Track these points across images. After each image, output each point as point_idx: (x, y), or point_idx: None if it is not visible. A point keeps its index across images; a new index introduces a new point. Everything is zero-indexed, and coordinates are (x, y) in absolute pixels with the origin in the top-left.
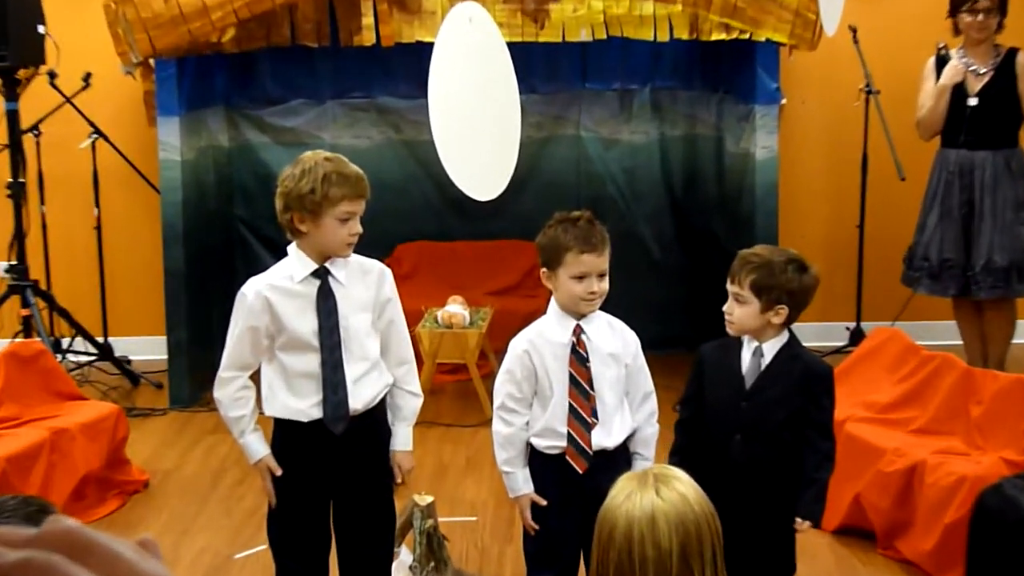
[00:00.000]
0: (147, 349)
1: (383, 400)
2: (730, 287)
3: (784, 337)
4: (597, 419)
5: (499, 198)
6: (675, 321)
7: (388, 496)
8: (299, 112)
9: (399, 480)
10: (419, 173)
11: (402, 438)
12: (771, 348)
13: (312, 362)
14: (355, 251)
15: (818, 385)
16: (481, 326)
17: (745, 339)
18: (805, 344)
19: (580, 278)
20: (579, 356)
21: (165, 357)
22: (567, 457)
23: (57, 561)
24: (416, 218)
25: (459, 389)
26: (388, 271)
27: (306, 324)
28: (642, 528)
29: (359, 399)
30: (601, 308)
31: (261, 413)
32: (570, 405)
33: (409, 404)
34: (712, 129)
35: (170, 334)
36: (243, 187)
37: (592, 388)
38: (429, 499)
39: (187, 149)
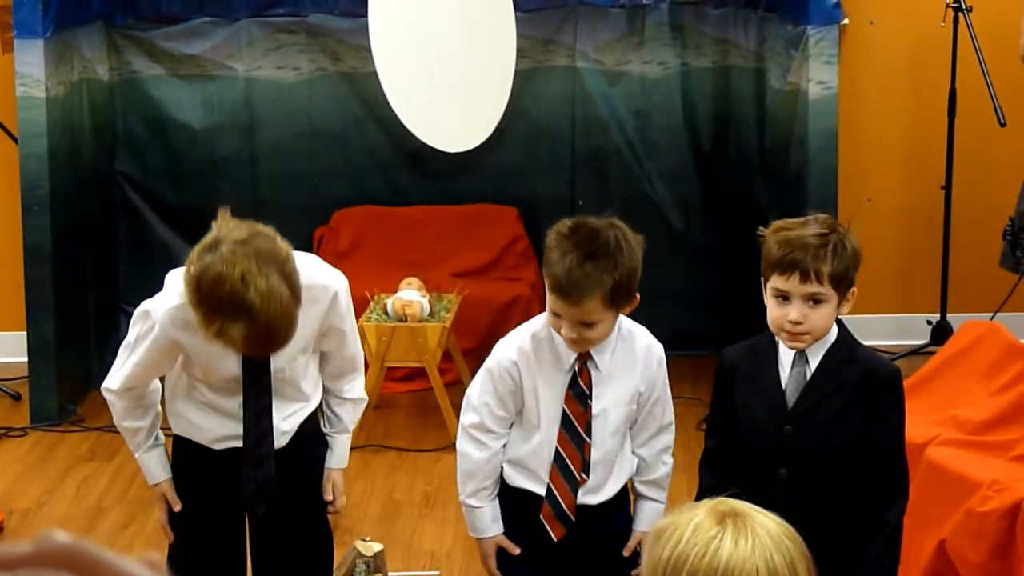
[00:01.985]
0: (0, 349)
1: (314, 414)
2: (799, 287)
3: (832, 334)
4: (587, 476)
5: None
6: (702, 313)
7: (322, 534)
8: (203, 34)
9: (335, 506)
10: (363, 115)
11: (339, 453)
12: (817, 350)
13: (233, 406)
14: (281, 216)
15: (883, 394)
16: (445, 318)
17: (780, 341)
18: (875, 344)
19: (555, 315)
20: (578, 391)
21: (25, 360)
22: (541, 517)
23: None
24: (359, 175)
25: (416, 401)
26: (344, 289)
27: (229, 377)
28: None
29: (286, 436)
30: None
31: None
32: (556, 452)
33: (352, 412)
34: (751, 58)
35: (31, 329)
36: (129, 134)
37: (589, 435)
38: (377, 547)
39: (54, 84)
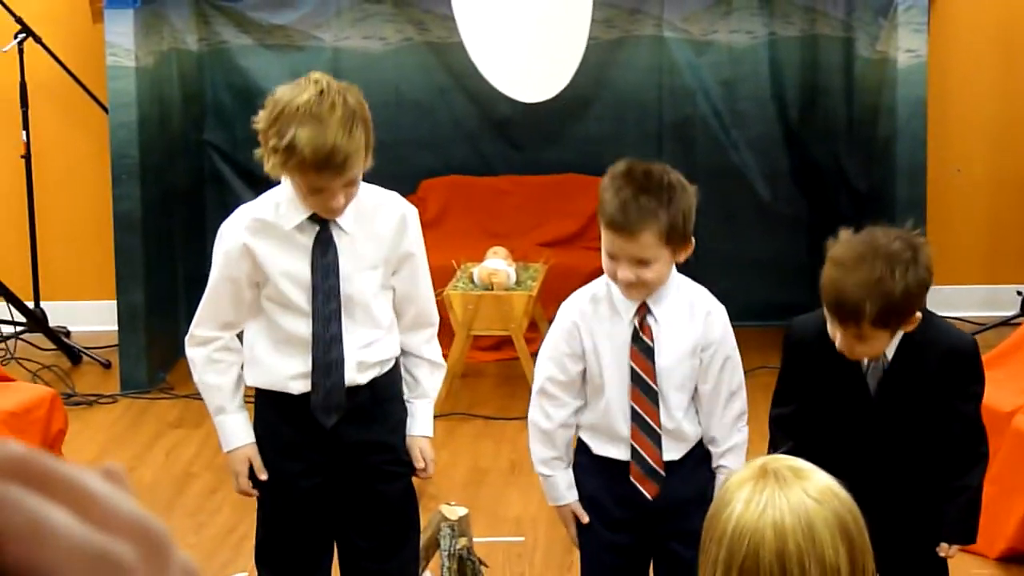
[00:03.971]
0: (92, 318)
1: (394, 372)
2: (839, 328)
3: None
4: (662, 428)
5: (557, 115)
6: (791, 283)
7: (407, 498)
8: (291, 4)
9: (426, 472)
10: (450, 86)
11: (422, 420)
12: (893, 343)
13: (303, 327)
14: (367, 182)
15: (961, 366)
16: (531, 287)
17: None
18: (964, 315)
19: (611, 257)
20: (643, 346)
21: (115, 328)
22: (632, 479)
23: (14, 495)
24: (446, 146)
25: (502, 371)
26: (413, 213)
27: (298, 282)
28: (798, 541)
29: (364, 374)
30: (695, 269)
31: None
32: (632, 409)
33: (431, 377)
34: (839, 27)
35: (121, 299)
36: (218, 104)
37: (659, 388)
38: (462, 512)
39: (144, 54)
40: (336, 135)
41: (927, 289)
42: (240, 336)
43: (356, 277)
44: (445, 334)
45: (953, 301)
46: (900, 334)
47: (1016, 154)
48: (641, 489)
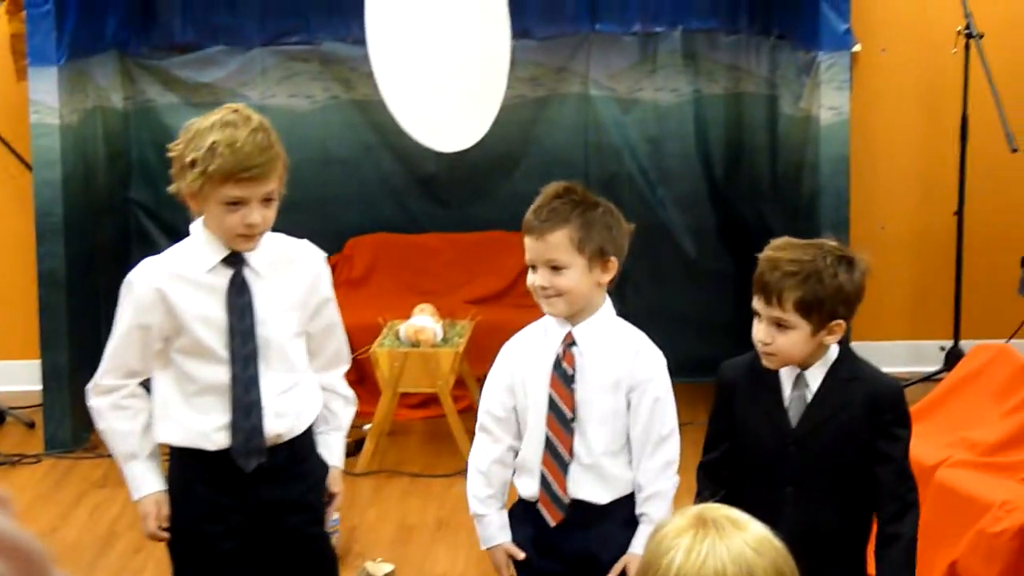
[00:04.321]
0: (16, 377)
1: (311, 430)
2: (764, 308)
3: (833, 354)
4: (573, 457)
5: (484, 172)
6: (718, 339)
7: (327, 557)
8: (217, 62)
9: (333, 510)
10: (377, 143)
11: (338, 452)
12: (818, 373)
13: (219, 374)
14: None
15: (887, 410)
16: (458, 344)
17: None
18: (887, 371)
19: (530, 266)
20: (562, 373)
21: (39, 388)
22: (539, 505)
23: None
24: (374, 203)
25: (430, 428)
26: (324, 258)
27: (213, 326)
28: None
29: (281, 422)
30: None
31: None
32: (547, 437)
33: (345, 411)
34: (763, 85)
35: (45, 357)
36: (143, 162)
37: (575, 417)
38: (388, 568)
39: (68, 111)
40: (252, 140)
41: (855, 301)
42: (145, 384)
43: (271, 320)
44: (372, 392)
45: (877, 357)
46: (825, 368)
47: (939, 211)
48: (545, 514)
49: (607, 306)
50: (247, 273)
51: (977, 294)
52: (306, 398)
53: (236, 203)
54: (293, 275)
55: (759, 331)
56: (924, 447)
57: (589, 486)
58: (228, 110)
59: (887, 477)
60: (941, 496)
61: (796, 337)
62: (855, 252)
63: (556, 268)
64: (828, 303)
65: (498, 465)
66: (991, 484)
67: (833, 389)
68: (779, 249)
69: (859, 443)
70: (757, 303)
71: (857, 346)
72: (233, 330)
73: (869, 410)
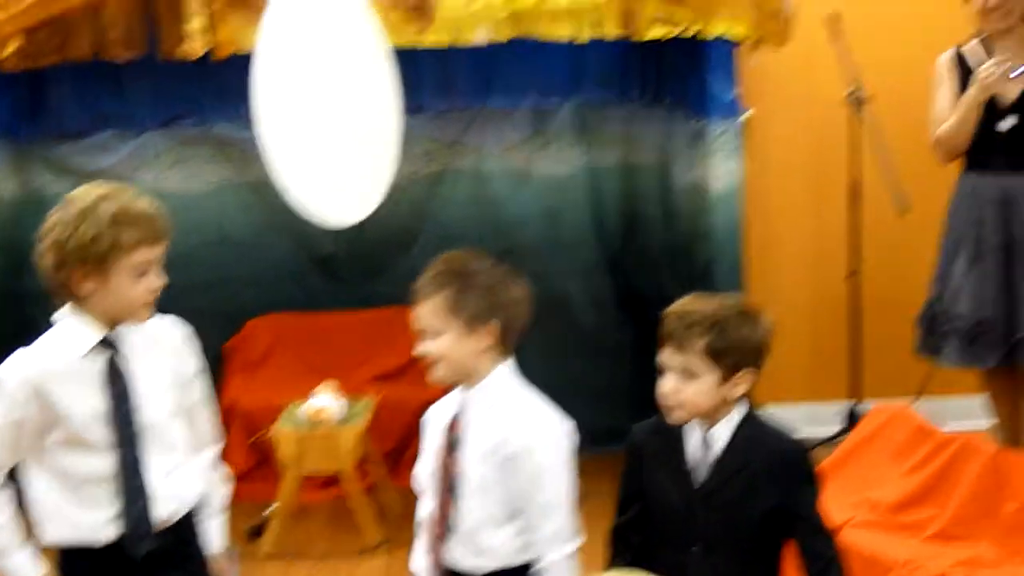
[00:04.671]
0: None
1: (190, 519)
2: (671, 358)
3: (738, 413)
4: (450, 529)
5: (381, 249)
6: (617, 410)
7: None
8: (109, 148)
9: None
10: (273, 224)
11: (218, 536)
12: (723, 431)
13: (102, 463)
14: (193, 326)
15: (792, 469)
16: (359, 422)
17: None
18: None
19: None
20: (450, 440)
21: None
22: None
23: None
24: (271, 284)
25: (334, 509)
26: (191, 334)
27: (90, 413)
28: None
29: (166, 506)
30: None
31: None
32: (436, 504)
33: (219, 493)
34: (654, 155)
35: None
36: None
37: (454, 485)
38: None
39: None
40: (149, 204)
41: (759, 353)
42: (11, 474)
43: (148, 402)
44: (275, 473)
45: (777, 420)
46: (730, 428)
47: (832, 276)
48: None
49: (499, 372)
50: (118, 358)
51: (876, 354)
52: (189, 479)
53: (144, 271)
54: (161, 353)
55: (666, 383)
56: (828, 508)
57: (464, 556)
58: (94, 187)
59: (804, 536)
60: (846, 557)
61: (703, 386)
62: (759, 308)
63: (433, 335)
64: (733, 351)
65: None
66: (894, 543)
67: (738, 448)
68: (687, 302)
69: (764, 502)
70: (665, 354)
71: (758, 411)
72: (113, 416)
73: (774, 469)
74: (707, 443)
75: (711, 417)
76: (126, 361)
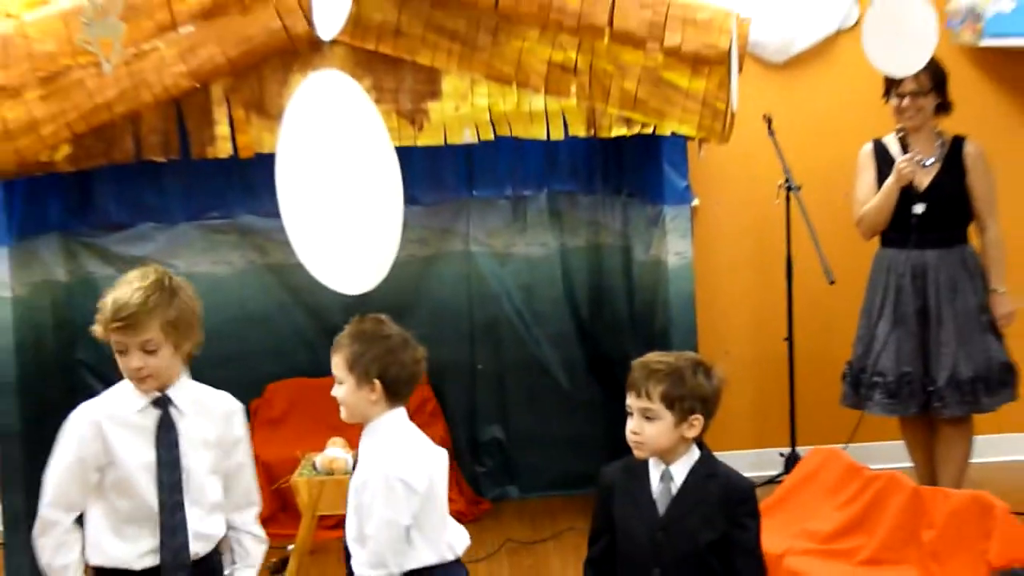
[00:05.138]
0: None
1: (217, 549)
2: (635, 402)
3: (695, 454)
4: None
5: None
6: (589, 458)
7: None
8: (148, 237)
9: None
10: (289, 301)
11: None
12: (682, 469)
13: (146, 505)
14: (220, 390)
15: (740, 505)
16: None
17: (652, 461)
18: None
19: None
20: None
21: (0, 529)
22: None
23: None
24: (288, 353)
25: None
26: (240, 409)
27: (142, 459)
28: None
29: (197, 542)
30: (508, 447)
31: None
32: None
33: (257, 549)
34: (618, 237)
35: (5, 501)
36: (87, 328)
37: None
38: None
39: (18, 285)
40: (133, 296)
41: (712, 401)
42: (79, 518)
43: (192, 454)
44: (293, 516)
45: (727, 463)
46: (688, 467)
47: (771, 338)
48: None
49: (385, 418)
50: (172, 412)
51: (809, 406)
52: (218, 526)
53: (121, 350)
54: (210, 418)
55: (631, 424)
56: (771, 539)
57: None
58: (139, 271)
59: (741, 565)
60: None
61: (661, 427)
62: (714, 365)
63: (338, 383)
64: (687, 398)
65: None
66: (830, 568)
67: (694, 484)
68: (650, 356)
69: (716, 531)
70: (629, 399)
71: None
72: (161, 461)
73: (724, 503)
74: (667, 478)
75: (670, 455)
76: (176, 417)
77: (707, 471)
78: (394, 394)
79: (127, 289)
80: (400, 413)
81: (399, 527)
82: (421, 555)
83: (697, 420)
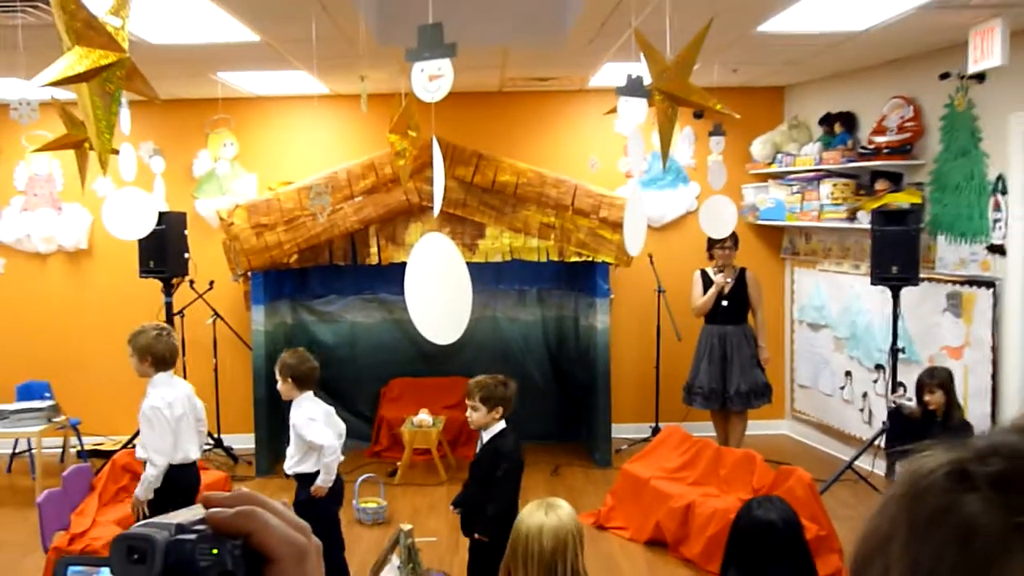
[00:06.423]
0: (243, 440)
1: None
2: (468, 402)
3: (500, 426)
4: None
5: (450, 349)
6: (549, 423)
7: None
8: (333, 303)
9: None
10: (403, 339)
11: None
12: (489, 434)
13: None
14: (364, 382)
15: (500, 458)
16: (439, 427)
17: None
18: (622, 437)
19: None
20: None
21: (253, 446)
22: None
23: (255, 511)
24: (401, 364)
25: (426, 465)
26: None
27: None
28: (532, 534)
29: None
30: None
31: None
32: None
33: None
34: (573, 312)
35: (257, 431)
36: (300, 346)
37: None
38: (409, 527)
39: (269, 325)
40: (169, 342)
41: (508, 401)
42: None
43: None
44: (400, 448)
45: (618, 432)
46: (496, 430)
47: (646, 364)
48: None
49: (301, 398)
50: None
51: (665, 402)
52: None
53: None
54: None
55: (468, 411)
56: (643, 470)
57: None
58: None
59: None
60: (653, 492)
61: (479, 413)
62: (511, 380)
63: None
64: (492, 399)
65: None
66: (674, 487)
67: (490, 444)
68: (480, 377)
69: (483, 470)
70: (467, 400)
71: (617, 428)
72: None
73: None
74: (480, 441)
75: (484, 428)
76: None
77: (500, 435)
78: (302, 385)
79: (166, 338)
80: (309, 395)
81: None
82: None
83: (497, 410)
